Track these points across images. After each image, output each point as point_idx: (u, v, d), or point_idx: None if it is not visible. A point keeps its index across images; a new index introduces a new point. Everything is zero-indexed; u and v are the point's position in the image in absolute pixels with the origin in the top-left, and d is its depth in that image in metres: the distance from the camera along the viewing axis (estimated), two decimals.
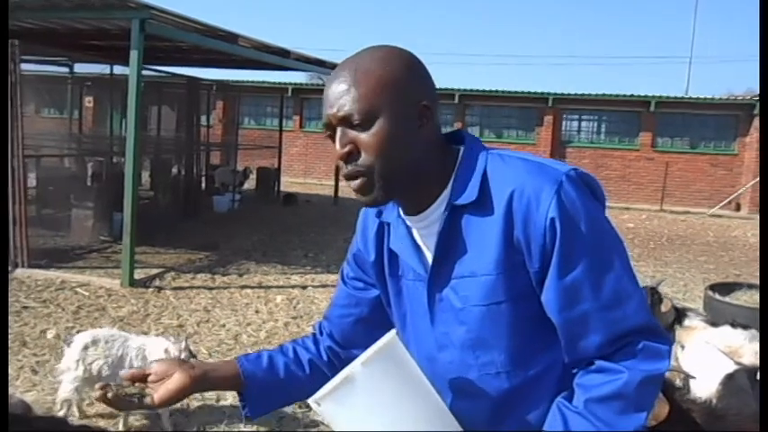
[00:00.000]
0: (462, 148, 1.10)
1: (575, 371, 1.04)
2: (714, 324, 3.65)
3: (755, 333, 3.35)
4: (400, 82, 1.03)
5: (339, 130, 1.03)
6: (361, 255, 1.25)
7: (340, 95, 1.02)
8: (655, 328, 1.03)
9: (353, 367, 0.99)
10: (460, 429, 1.08)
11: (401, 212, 1.14)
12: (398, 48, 1.08)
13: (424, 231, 1.11)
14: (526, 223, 1.00)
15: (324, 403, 0.99)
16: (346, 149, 1.03)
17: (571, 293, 0.99)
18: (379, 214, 1.19)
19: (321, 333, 1.31)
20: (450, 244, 1.06)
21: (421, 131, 1.05)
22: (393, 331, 1.05)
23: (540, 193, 0.99)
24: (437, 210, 1.08)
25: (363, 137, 1.02)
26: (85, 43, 9.15)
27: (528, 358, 1.06)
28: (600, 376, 1.00)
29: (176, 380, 1.13)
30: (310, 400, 1.03)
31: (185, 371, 1.15)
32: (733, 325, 3.53)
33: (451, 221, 1.06)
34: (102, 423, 3.31)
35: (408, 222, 1.13)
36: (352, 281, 1.28)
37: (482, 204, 1.04)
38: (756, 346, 3.21)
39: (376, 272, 1.22)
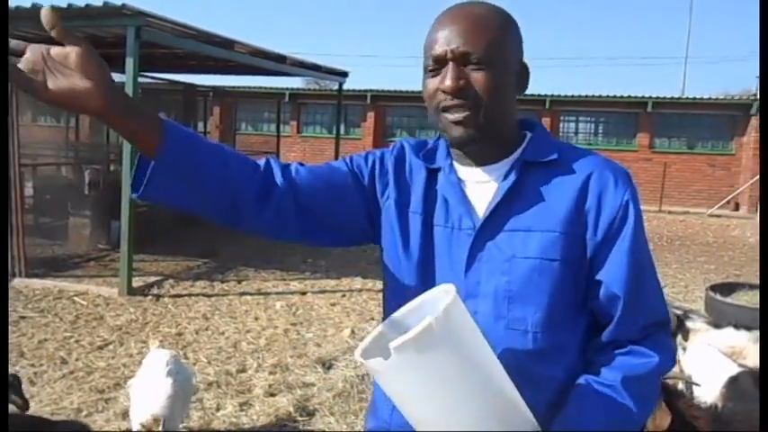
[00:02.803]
0: (535, 128, 1.18)
1: (604, 352, 1.08)
2: (717, 326, 3.62)
3: (759, 334, 3.33)
4: (511, 37, 1.11)
5: (452, 65, 1.05)
6: (384, 172, 1.21)
7: (461, 34, 1.05)
8: (670, 324, 1.14)
9: (433, 317, 0.86)
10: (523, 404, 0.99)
11: (456, 162, 1.16)
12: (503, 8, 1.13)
13: (478, 185, 1.13)
14: (601, 197, 1.07)
15: (401, 353, 0.85)
16: (461, 83, 1.05)
17: (637, 270, 1.07)
18: (427, 159, 1.19)
19: (284, 175, 1.15)
20: (512, 197, 1.09)
21: (518, 89, 1.12)
22: (453, 286, 0.95)
23: (618, 177, 1.09)
24: (503, 167, 1.12)
25: (478, 75, 1.05)
26: None
27: (558, 326, 1.07)
28: (634, 358, 1.06)
29: (90, 82, 0.90)
30: (358, 354, 0.92)
31: (107, 79, 0.93)
32: (736, 326, 3.50)
33: (519, 176, 1.10)
34: None
35: (462, 174, 1.15)
36: (356, 173, 1.21)
37: (556, 168, 1.10)
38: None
39: (397, 205, 1.18)
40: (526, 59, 1.14)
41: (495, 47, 1.06)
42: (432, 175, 1.18)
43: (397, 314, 1.00)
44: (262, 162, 1.16)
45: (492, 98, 1.06)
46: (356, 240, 1.26)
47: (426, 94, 1.11)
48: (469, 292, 1.09)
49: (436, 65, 1.08)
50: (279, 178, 1.14)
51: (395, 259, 1.19)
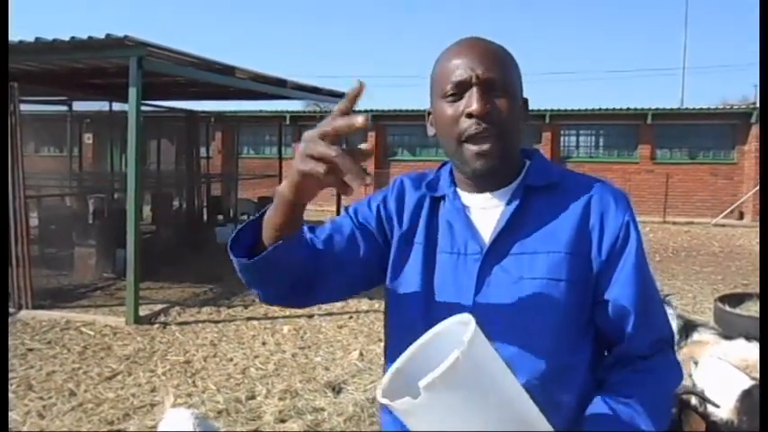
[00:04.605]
0: (534, 155, 1.21)
1: (615, 369, 1.10)
2: (728, 337, 3.58)
3: None
4: (518, 71, 1.14)
5: (477, 89, 1.06)
6: (389, 215, 1.23)
7: (484, 61, 1.07)
8: (674, 341, 1.18)
9: (459, 350, 0.84)
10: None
11: (459, 189, 1.18)
12: None
13: (483, 211, 1.15)
14: (603, 217, 1.11)
15: (431, 391, 0.83)
16: (489, 107, 1.06)
17: (643, 288, 1.09)
18: (430, 188, 1.21)
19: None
20: (517, 222, 1.11)
21: (522, 120, 1.15)
22: (470, 316, 0.94)
23: (618, 199, 1.13)
24: (506, 192, 1.14)
25: (501, 102, 1.08)
26: (83, 82, 9.21)
27: (567, 346, 1.09)
28: (645, 374, 1.08)
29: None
30: (380, 395, 0.90)
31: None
32: (747, 338, 3.46)
33: (522, 201, 1.12)
34: None
35: (466, 200, 1.16)
36: (363, 224, 1.23)
37: (557, 192, 1.13)
38: None
39: (401, 240, 1.20)
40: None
41: (512, 78, 1.10)
42: (434, 203, 1.20)
43: (412, 349, 0.98)
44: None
45: (512, 127, 1.09)
46: (376, 284, 1.28)
47: (445, 121, 1.10)
48: (479, 316, 1.10)
49: (457, 90, 1.08)
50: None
51: (396, 290, 1.20)
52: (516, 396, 0.94)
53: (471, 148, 1.08)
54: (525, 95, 1.17)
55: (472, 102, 1.06)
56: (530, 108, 1.20)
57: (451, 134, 1.10)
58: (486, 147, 1.07)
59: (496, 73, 1.07)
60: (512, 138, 1.10)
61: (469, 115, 1.06)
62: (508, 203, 1.12)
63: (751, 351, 3.33)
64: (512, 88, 1.09)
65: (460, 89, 1.07)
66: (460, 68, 1.07)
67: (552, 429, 0.97)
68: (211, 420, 3.70)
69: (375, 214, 1.23)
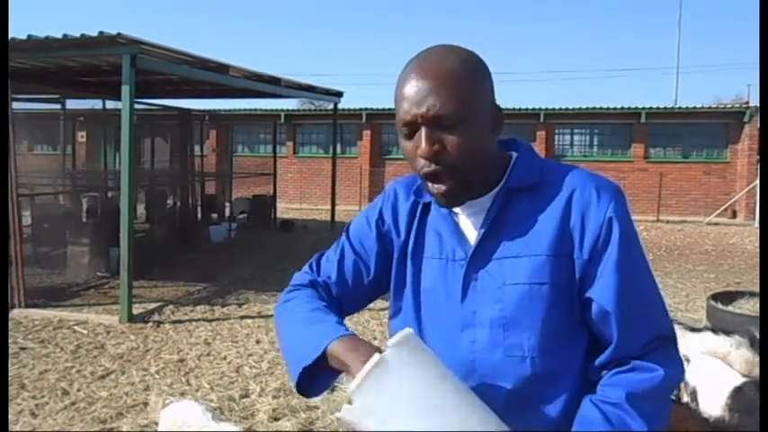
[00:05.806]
0: (520, 149, 1.17)
1: (607, 371, 1.08)
2: (694, 330, 3.54)
3: (740, 339, 3.25)
4: (482, 84, 1.08)
5: (425, 129, 1.04)
6: (387, 228, 1.24)
7: (428, 94, 1.03)
8: (675, 337, 1.10)
9: (385, 352, 0.93)
10: (494, 416, 1.00)
11: None
12: (470, 49, 1.11)
13: (469, 216, 1.15)
14: (584, 214, 1.06)
15: (360, 396, 0.91)
16: (436, 148, 1.04)
17: (628, 286, 1.05)
18: (418, 194, 1.21)
19: (329, 300, 1.26)
20: (499, 225, 1.10)
21: (494, 133, 1.11)
22: (408, 328, 1.02)
23: (601, 192, 1.08)
24: (491, 197, 1.13)
25: (452, 138, 1.04)
26: (76, 80, 9.18)
27: (554, 348, 1.07)
28: (637, 374, 1.04)
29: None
30: (341, 413, 0.95)
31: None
32: (714, 331, 3.43)
33: (504, 204, 1.10)
34: None
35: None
36: (363, 245, 1.26)
37: (539, 191, 1.10)
38: (744, 353, 3.12)
39: (400, 250, 1.21)
40: (498, 104, 1.13)
41: (467, 104, 1.04)
42: (425, 209, 1.21)
43: (360, 376, 1.03)
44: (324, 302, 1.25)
45: (469, 157, 1.06)
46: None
47: (406, 155, 1.11)
48: (467, 321, 1.11)
49: (407, 129, 1.07)
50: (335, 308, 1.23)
51: (395, 297, 1.22)
52: (453, 400, 0.96)
53: (431, 186, 1.09)
54: (505, 99, 1.15)
55: (420, 143, 1.05)
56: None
57: (414, 167, 1.11)
58: (443, 188, 1.08)
59: (445, 107, 1.02)
60: (471, 168, 1.07)
61: (420, 156, 1.06)
62: (490, 208, 1.12)
63: (718, 343, 3.30)
64: (468, 115, 1.04)
65: (410, 128, 1.07)
66: (407, 106, 1.05)
67: (502, 430, 0.98)
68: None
69: (375, 232, 1.25)
